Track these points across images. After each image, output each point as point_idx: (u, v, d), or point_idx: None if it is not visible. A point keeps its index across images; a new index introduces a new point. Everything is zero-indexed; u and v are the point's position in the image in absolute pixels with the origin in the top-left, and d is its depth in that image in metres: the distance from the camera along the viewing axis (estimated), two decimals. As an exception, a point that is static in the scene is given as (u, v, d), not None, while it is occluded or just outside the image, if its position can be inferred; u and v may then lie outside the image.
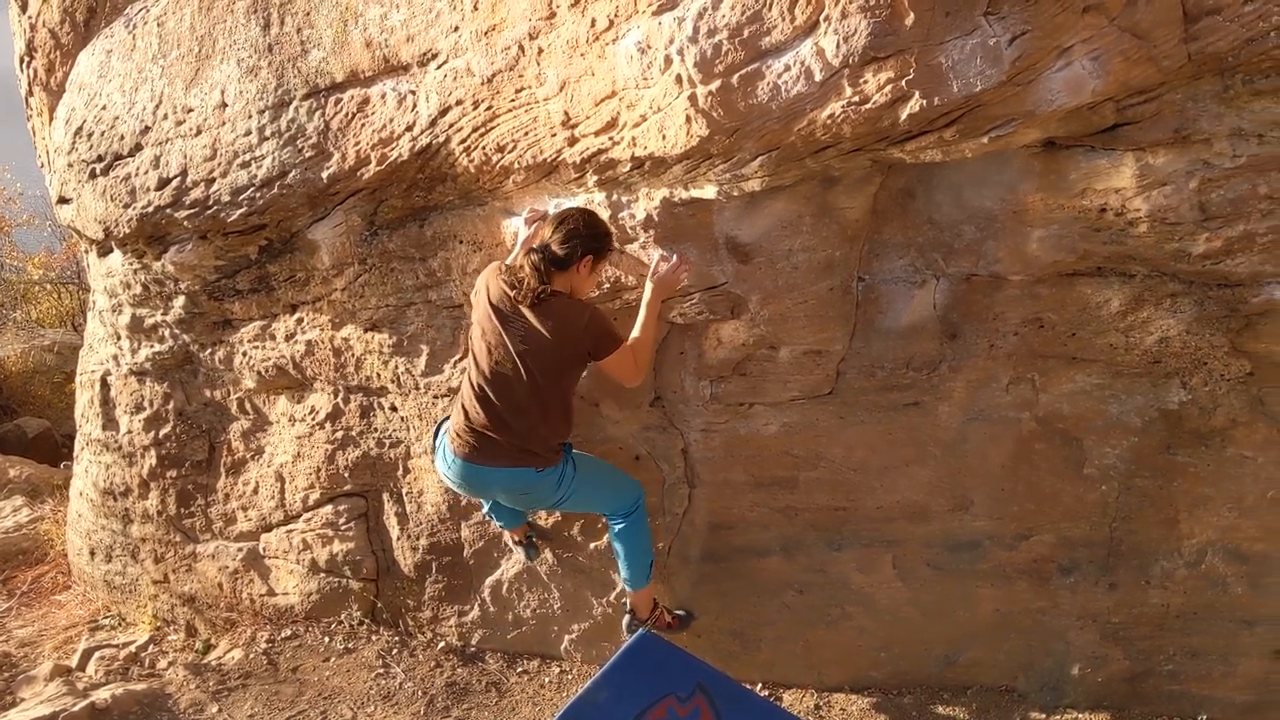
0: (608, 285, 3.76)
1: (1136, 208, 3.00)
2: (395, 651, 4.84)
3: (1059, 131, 2.92)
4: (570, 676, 4.57)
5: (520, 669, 4.67)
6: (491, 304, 3.50)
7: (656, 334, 3.66)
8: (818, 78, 2.83)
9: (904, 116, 2.79)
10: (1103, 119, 2.85)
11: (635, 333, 3.56)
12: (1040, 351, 3.44)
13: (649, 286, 3.54)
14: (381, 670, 4.72)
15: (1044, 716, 3.94)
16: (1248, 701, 3.76)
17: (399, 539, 4.80)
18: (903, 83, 2.73)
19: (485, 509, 4.28)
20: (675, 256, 3.52)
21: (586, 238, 3.39)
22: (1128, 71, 2.69)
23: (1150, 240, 3.05)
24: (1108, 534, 3.67)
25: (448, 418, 3.84)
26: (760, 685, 4.34)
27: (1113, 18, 2.62)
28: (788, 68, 2.86)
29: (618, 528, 3.90)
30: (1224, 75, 2.73)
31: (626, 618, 4.13)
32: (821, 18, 2.76)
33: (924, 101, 2.74)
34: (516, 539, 4.39)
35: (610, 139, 3.33)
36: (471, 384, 3.60)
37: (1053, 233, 3.18)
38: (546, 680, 4.58)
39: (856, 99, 2.81)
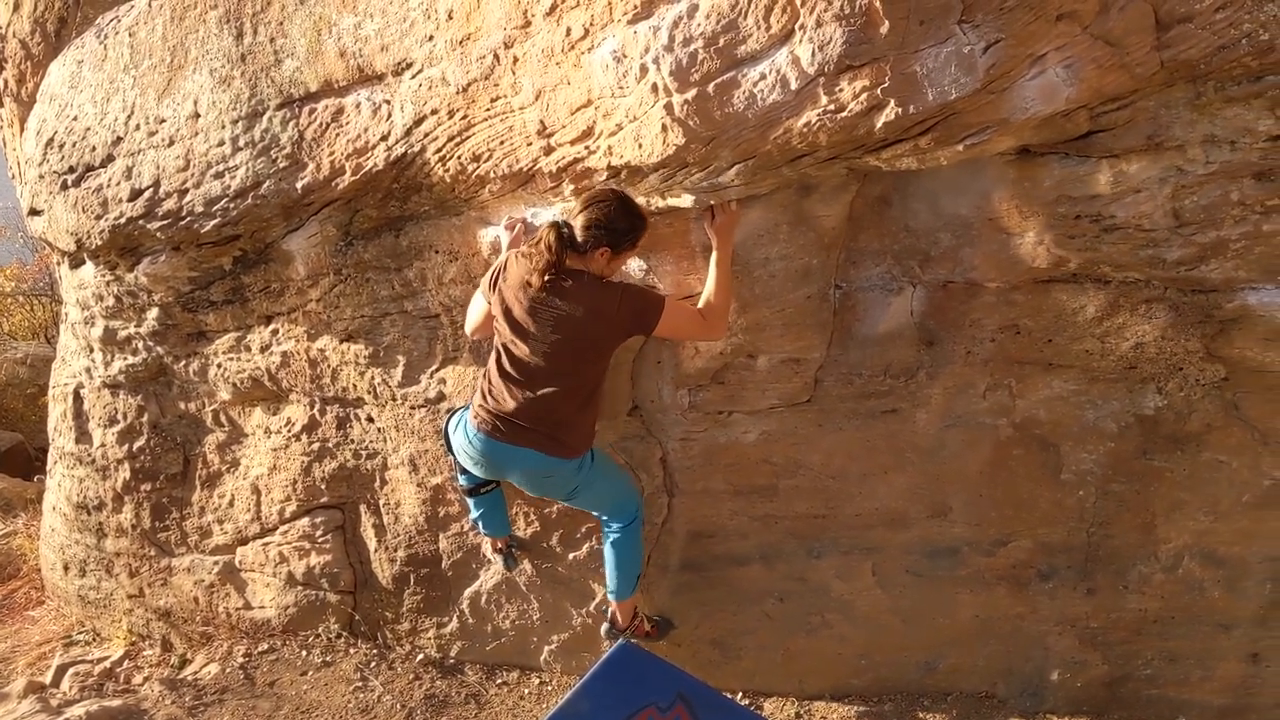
0: (642, 272, 3.68)
1: (1111, 214, 3.02)
2: (373, 664, 4.80)
3: (1033, 139, 2.94)
4: (550, 688, 4.54)
5: (500, 680, 4.64)
6: (516, 293, 3.39)
7: (732, 280, 3.47)
8: (793, 86, 2.83)
9: (879, 125, 2.79)
10: (1077, 126, 2.87)
11: (710, 283, 3.41)
12: (1017, 358, 3.46)
13: (713, 237, 3.39)
14: (360, 683, 4.68)
15: (1024, 722, 3.95)
16: (1225, 705, 3.78)
17: (376, 551, 4.77)
18: (878, 91, 2.74)
19: (473, 514, 4.21)
20: (728, 204, 3.37)
21: (608, 230, 3.25)
22: (1101, 79, 2.70)
23: (1125, 247, 3.07)
24: (1085, 539, 3.69)
25: (464, 407, 3.78)
26: (741, 694, 4.33)
27: (1086, 25, 2.63)
28: (763, 76, 2.86)
29: (614, 535, 3.87)
30: (1196, 82, 2.75)
31: (606, 625, 4.12)
32: (797, 26, 2.76)
33: (899, 110, 2.75)
34: (497, 548, 4.37)
35: (586, 148, 3.32)
36: (499, 371, 3.51)
37: (1028, 240, 3.19)
38: (526, 692, 4.55)
39: (832, 107, 2.81)
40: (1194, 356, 3.26)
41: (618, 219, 3.25)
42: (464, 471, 4.00)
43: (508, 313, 3.43)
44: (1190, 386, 3.33)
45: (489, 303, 3.53)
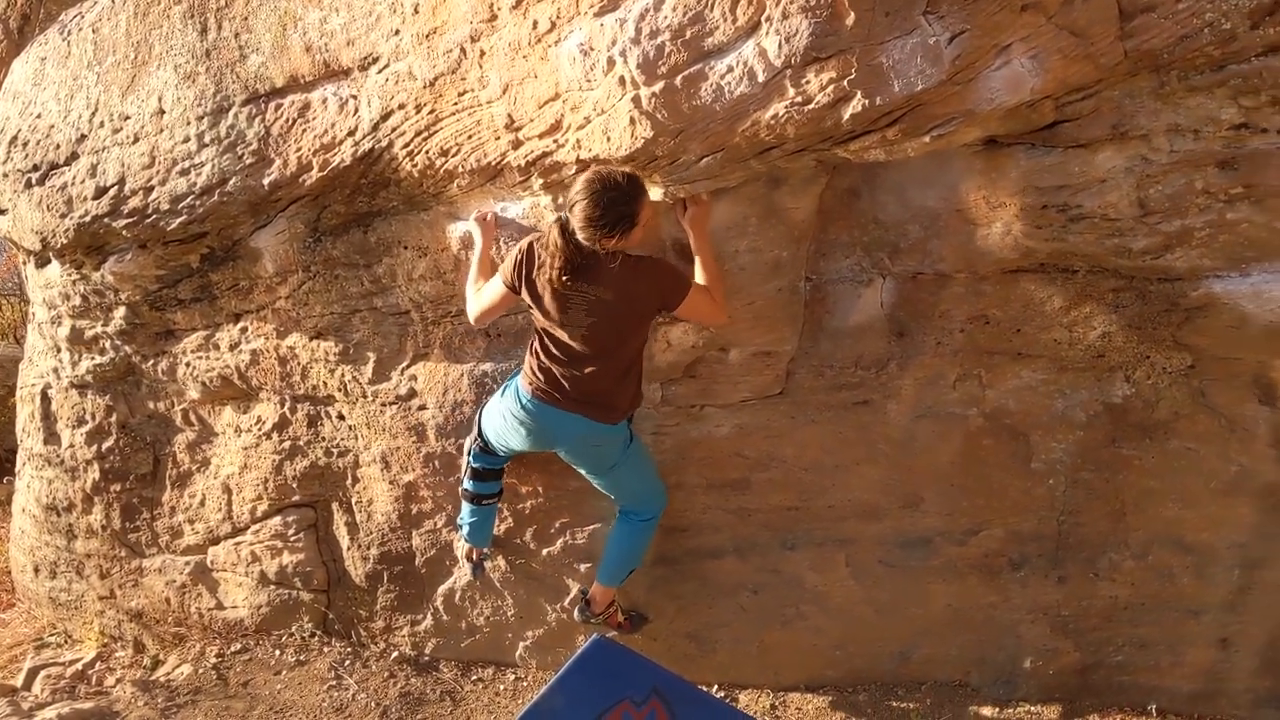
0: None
1: (1077, 204, 3.03)
2: (348, 663, 4.78)
3: (1000, 130, 2.95)
4: (525, 683, 4.54)
5: (475, 677, 4.63)
6: (543, 284, 3.33)
7: (719, 264, 3.45)
8: (760, 78, 2.83)
9: (846, 116, 2.80)
10: (1042, 117, 2.88)
11: (701, 272, 3.39)
12: (986, 348, 3.47)
13: (688, 229, 3.38)
14: (334, 682, 4.66)
15: (997, 710, 3.97)
16: (1195, 690, 3.81)
17: (349, 549, 4.74)
18: (845, 83, 2.74)
19: (465, 519, 4.15)
20: (698, 196, 3.33)
21: (608, 224, 3.10)
22: (1066, 69, 2.71)
23: (1091, 236, 3.08)
24: (1056, 528, 3.71)
25: (505, 388, 3.74)
26: (716, 687, 4.34)
27: (1050, 16, 2.64)
28: (730, 69, 2.85)
29: (628, 525, 3.88)
30: (1160, 72, 2.76)
31: (581, 604, 4.11)
32: (763, 18, 2.76)
33: (866, 101, 2.75)
34: (470, 556, 4.31)
35: (555, 141, 3.31)
36: (544, 353, 3.49)
37: (996, 230, 3.20)
38: (501, 688, 4.54)
39: (799, 99, 2.81)
40: (1161, 345, 3.28)
41: (612, 209, 3.09)
42: (475, 477, 3.98)
43: (540, 302, 3.39)
44: (1158, 375, 3.35)
45: (515, 292, 3.46)
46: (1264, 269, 3.00)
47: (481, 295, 3.64)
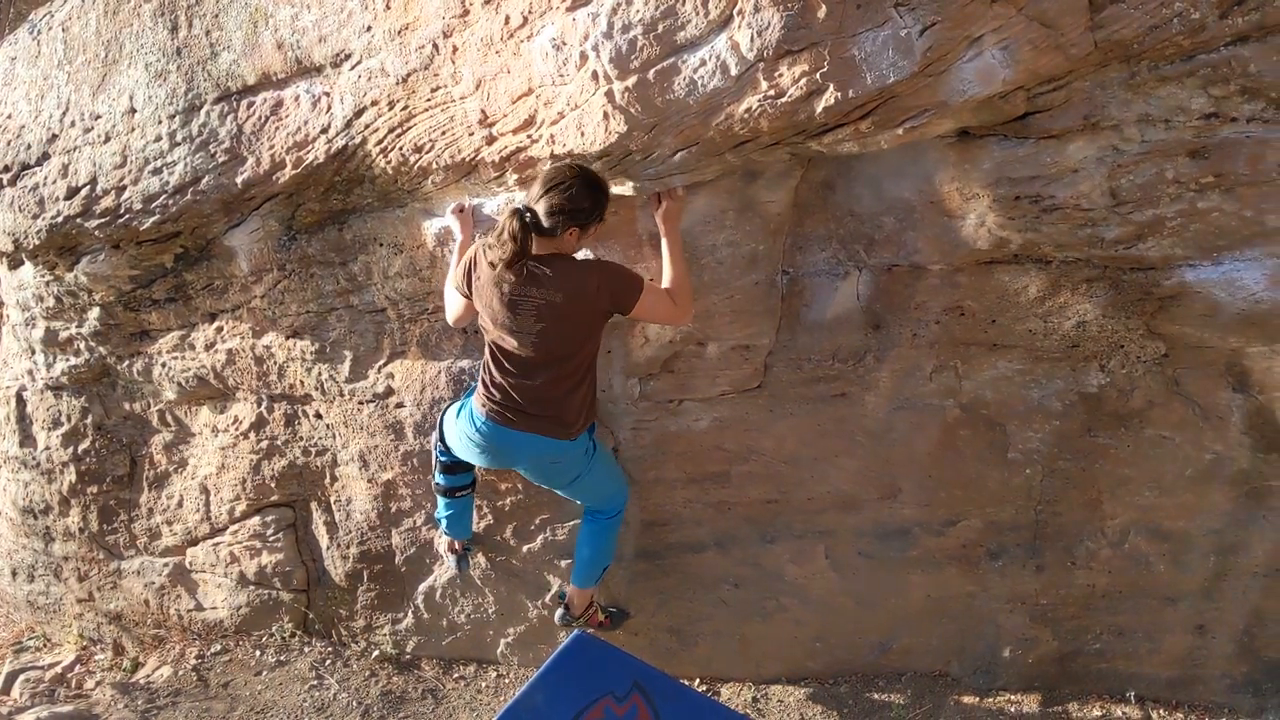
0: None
1: (1050, 195, 3.05)
2: (329, 662, 4.77)
3: (972, 121, 2.96)
4: (507, 680, 4.53)
5: (456, 675, 4.62)
6: (491, 289, 3.29)
7: (687, 263, 3.43)
8: (734, 72, 2.83)
9: (820, 109, 2.80)
10: (1014, 108, 2.89)
11: (667, 270, 3.36)
12: (962, 339, 3.48)
13: (661, 224, 3.36)
14: (315, 682, 4.64)
15: (977, 700, 3.99)
16: (1173, 676, 3.84)
17: (329, 548, 4.72)
18: (817, 76, 2.74)
19: (441, 514, 4.13)
20: (672, 189, 3.33)
21: (572, 212, 3.12)
22: (1037, 60, 2.72)
23: (1064, 227, 3.10)
24: (1033, 517, 3.73)
25: (463, 399, 3.75)
26: (698, 681, 4.35)
27: (1021, 7, 2.65)
28: (703, 62, 2.85)
29: (595, 525, 3.87)
30: (1130, 62, 2.78)
31: (560, 610, 4.10)
32: (735, 11, 2.76)
33: (839, 94, 2.75)
34: (454, 549, 4.30)
35: (529, 137, 3.30)
36: (495, 366, 3.45)
37: (970, 222, 3.21)
38: (483, 685, 4.54)
39: (772, 93, 2.81)
40: (1135, 334, 3.30)
41: (580, 198, 3.12)
42: (445, 471, 3.97)
43: (489, 308, 3.35)
44: (1132, 364, 3.37)
45: (465, 299, 3.48)
46: (1235, 257, 3.03)
47: (447, 300, 3.67)
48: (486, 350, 3.49)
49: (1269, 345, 3.16)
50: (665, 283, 3.37)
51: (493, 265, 3.24)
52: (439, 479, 4.01)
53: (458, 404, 3.76)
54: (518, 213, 3.15)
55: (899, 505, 3.84)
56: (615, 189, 3.32)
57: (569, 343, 3.36)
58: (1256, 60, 2.68)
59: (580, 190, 3.12)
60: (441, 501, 4.08)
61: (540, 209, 3.14)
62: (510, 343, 3.36)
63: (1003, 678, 4.02)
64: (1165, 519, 3.61)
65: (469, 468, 4.01)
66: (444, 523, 4.16)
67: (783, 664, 4.25)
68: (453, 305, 3.65)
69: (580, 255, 3.44)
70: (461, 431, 3.66)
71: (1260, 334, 3.13)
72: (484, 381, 3.53)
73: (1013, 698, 3.99)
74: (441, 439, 3.88)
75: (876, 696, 4.09)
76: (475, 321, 3.74)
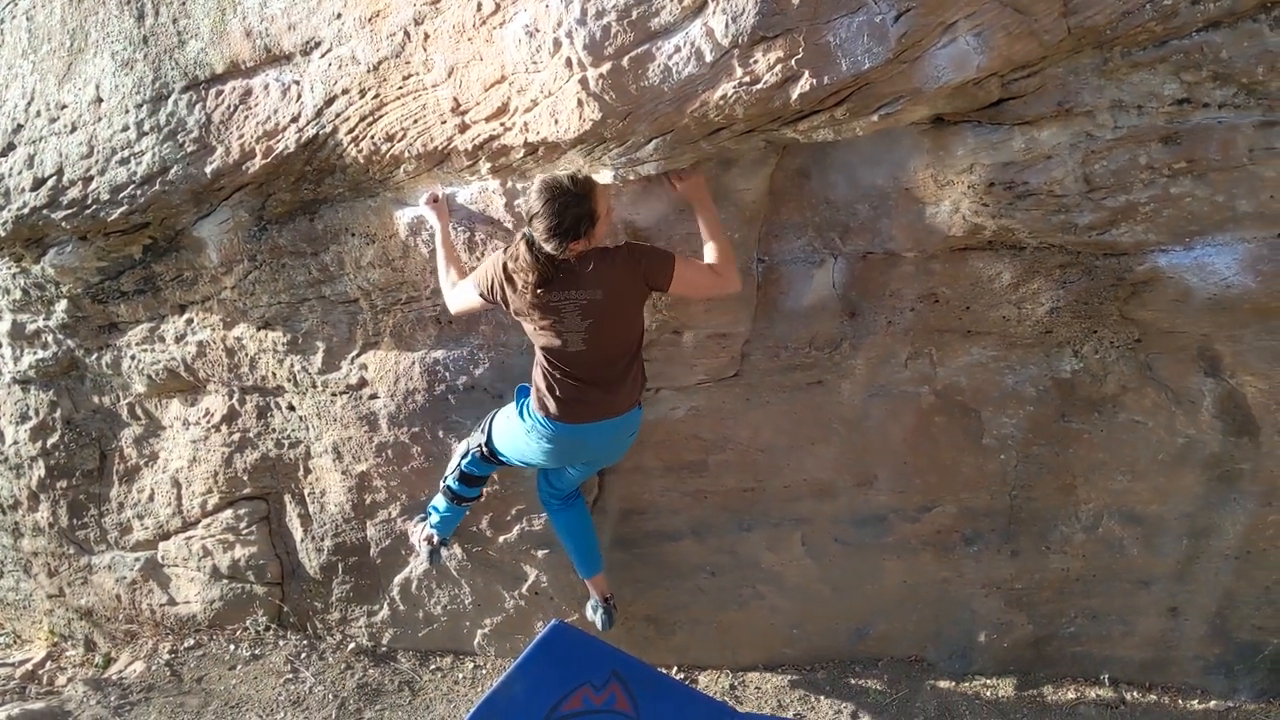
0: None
1: (1024, 181, 3.05)
2: (304, 655, 4.74)
3: (946, 108, 2.96)
4: (484, 671, 4.53)
5: (433, 666, 4.61)
6: (528, 300, 3.25)
7: (725, 231, 3.33)
8: (708, 59, 2.81)
9: (795, 96, 2.79)
10: (988, 94, 2.89)
11: (706, 242, 3.30)
12: (936, 326, 3.49)
13: (692, 203, 3.32)
14: (290, 675, 4.62)
15: (953, 684, 4.02)
16: (1146, 659, 3.88)
17: (303, 541, 4.69)
18: (792, 62, 2.73)
19: (439, 513, 4.09)
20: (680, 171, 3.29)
21: (568, 230, 3.07)
22: (1010, 46, 2.72)
23: (1038, 213, 3.11)
24: (1008, 502, 3.75)
25: (514, 404, 3.69)
26: (675, 669, 4.36)
27: (995, -7, 2.65)
28: (678, 49, 2.84)
29: (581, 506, 3.94)
30: (1103, 48, 2.79)
31: (602, 614, 4.14)
32: (709, -3, 2.75)
33: (813, 81, 2.74)
34: (433, 542, 4.20)
35: (502, 125, 3.27)
36: (551, 367, 3.40)
37: (944, 209, 3.22)
38: (460, 677, 4.53)
39: (747, 79, 2.80)
40: (1108, 320, 3.32)
41: (568, 213, 3.06)
42: (463, 480, 3.93)
43: (531, 320, 3.32)
44: (1105, 349, 3.39)
45: (482, 300, 3.43)
46: (1206, 242, 3.05)
47: (459, 296, 3.57)
48: (538, 354, 3.43)
49: (1240, 330, 3.19)
50: (708, 256, 3.31)
51: (526, 286, 3.22)
52: (453, 484, 3.96)
53: (504, 412, 3.71)
54: (527, 240, 3.16)
55: (875, 492, 3.86)
56: (595, 177, 3.28)
57: (618, 330, 3.36)
58: (1228, 46, 2.69)
59: (564, 206, 3.07)
60: (444, 502, 4.04)
61: (539, 234, 3.12)
62: (562, 344, 3.32)
63: (978, 662, 4.05)
64: (1138, 503, 3.64)
65: (485, 481, 4.00)
66: (437, 519, 4.13)
67: (760, 651, 4.26)
68: (462, 301, 3.56)
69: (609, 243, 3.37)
70: (527, 443, 3.60)
71: (1231, 319, 3.16)
72: (542, 387, 3.46)
73: (988, 682, 4.02)
74: (490, 446, 3.79)
75: (853, 682, 4.11)
76: (447, 311, 3.71)
